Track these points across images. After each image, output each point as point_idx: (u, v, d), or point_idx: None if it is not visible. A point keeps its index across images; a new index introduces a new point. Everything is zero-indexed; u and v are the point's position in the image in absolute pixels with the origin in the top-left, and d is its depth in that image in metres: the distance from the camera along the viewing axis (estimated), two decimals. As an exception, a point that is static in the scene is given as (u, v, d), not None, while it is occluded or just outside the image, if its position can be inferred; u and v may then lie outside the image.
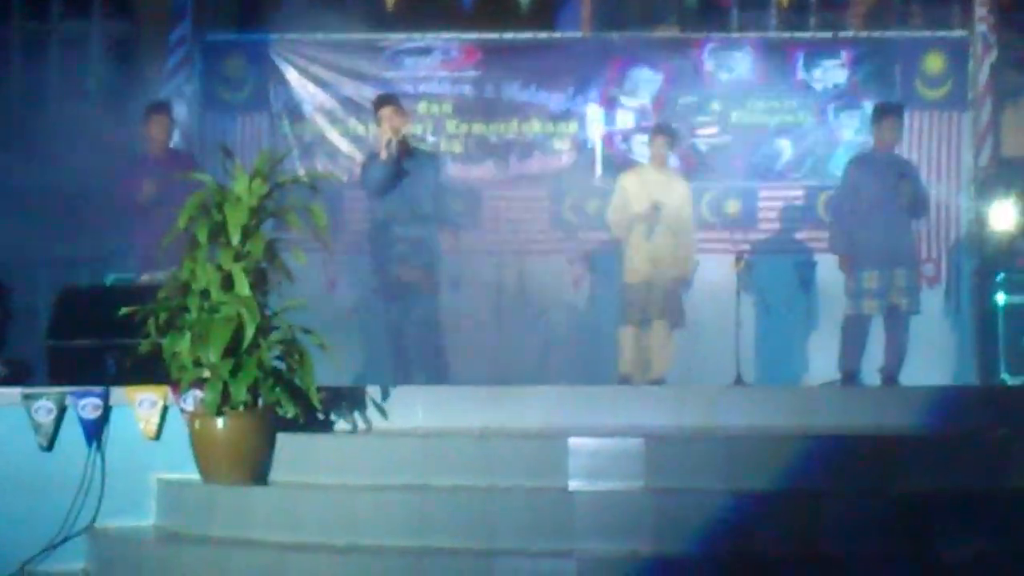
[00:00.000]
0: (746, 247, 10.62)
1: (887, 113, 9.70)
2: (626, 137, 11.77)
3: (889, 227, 9.32)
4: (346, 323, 10.12)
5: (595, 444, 6.23)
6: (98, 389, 7.01)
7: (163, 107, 9.93)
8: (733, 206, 11.61)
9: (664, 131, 10.05)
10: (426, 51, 11.81)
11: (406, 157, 9.13)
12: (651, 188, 9.73)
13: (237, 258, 6.62)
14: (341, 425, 7.25)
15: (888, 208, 9.33)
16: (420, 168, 9.17)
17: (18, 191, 10.45)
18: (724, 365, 9.90)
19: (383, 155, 9.05)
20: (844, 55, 11.72)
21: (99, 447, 6.97)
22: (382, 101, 9.34)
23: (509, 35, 11.86)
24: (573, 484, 6.13)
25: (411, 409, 7.48)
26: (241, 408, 6.53)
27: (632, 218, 9.66)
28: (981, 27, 11.53)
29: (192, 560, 6.13)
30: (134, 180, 9.43)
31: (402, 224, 9.01)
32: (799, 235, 11.61)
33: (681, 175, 10.37)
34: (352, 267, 11.20)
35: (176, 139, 10.20)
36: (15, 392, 7.07)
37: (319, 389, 6.71)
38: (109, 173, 9.69)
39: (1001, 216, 11.72)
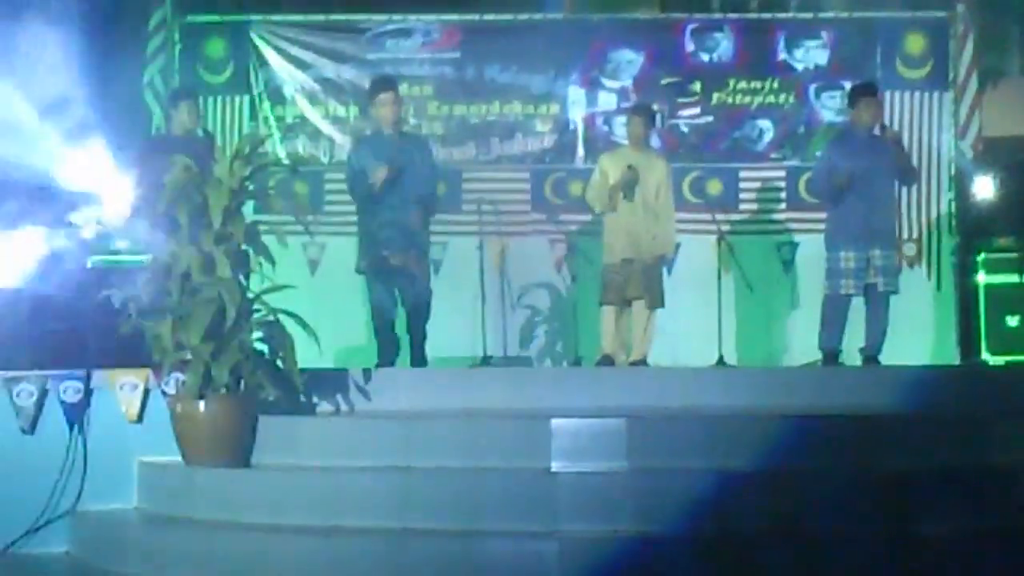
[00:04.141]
0: (727, 228, 10.61)
1: (863, 93, 9.66)
2: (607, 118, 11.74)
3: (866, 207, 9.30)
4: (329, 305, 10.12)
5: (577, 425, 6.24)
6: (79, 372, 7.00)
7: (187, 93, 9.84)
8: (714, 186, 11.60)
9: (641, 111, 10.03)
10: (407, 32, 11.76)
11: (400, 142, 9.15)
12: (630, 166, 9.72)
13: (218, 240, 6.61)
14: (324, 407, 7.26)
15: (865, 188, 9.31)
16: (412, 153, 9.17)
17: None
18: (706, 346, 9.92)
19: (387, 132, 9.10)
20: (825, 36, 11.71)
21: (81, 430, 6.97)
22: (383, 86, 9.32)
23: (490, 16, 11.83)
24: (555, 465, 6.14)
25: (394, 391, 7.50)
26: (223, 391, 6.53)
27: (611, 189, 9.61)
28: (960, 7, 11.55)
29: (175, 543, 6.14)
30: (149, 161, 9.38)
31: (393, 209, 8.97)
32: (780, 215, 11.62)
33: (660, 155, 10.35)
34: (334, 249, 11.19)
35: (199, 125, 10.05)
36: (-4, 376, 7.07)
37: (302, 371, 6.70)
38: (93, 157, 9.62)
39: (982, 196, 11.76)
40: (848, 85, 10.66)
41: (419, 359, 9.04)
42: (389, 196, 8.95)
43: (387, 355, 9.01)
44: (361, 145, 9.43)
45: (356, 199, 9.22)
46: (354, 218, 9.95)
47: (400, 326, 9.13)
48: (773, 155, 11.70)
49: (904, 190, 10.87)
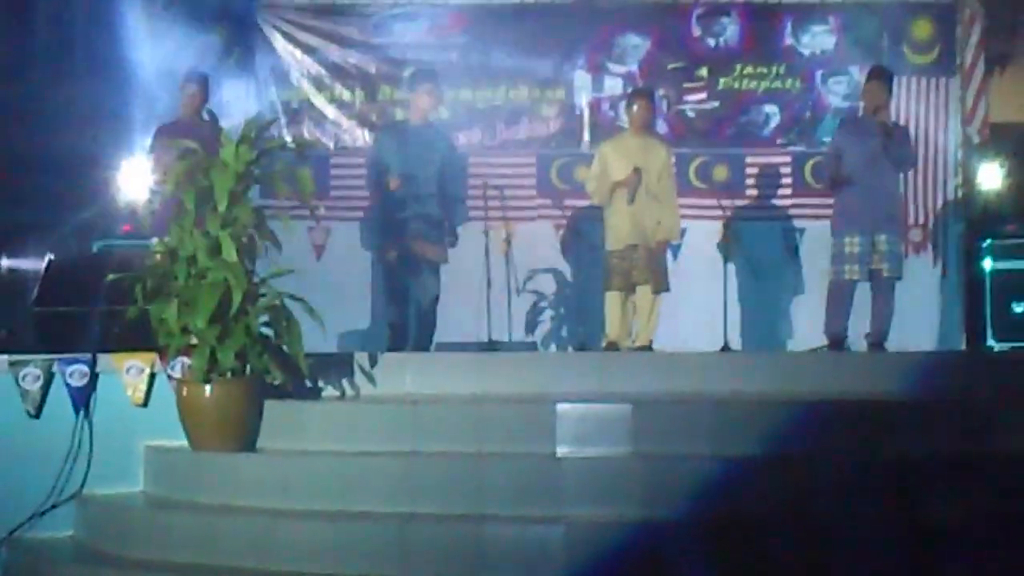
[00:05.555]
0: (733, 213, 10.60)
1: (875, 77, 9.69)
2: (613, 104, 11.72)
3: (872, 192, 9.32)
4: (334, 290, 10.11)
5: (583, 410, 6.24)
6: (85, 356, 7.00)
7: (196, 78, 9.84)
8: (720, 172, 11.58)
9: (644, 95, 10.01)
10: (413, 17, 11.72)
11: (426, 134, 9.25)
12: (631, 154, 9.69)
13: (224, 224, 6.61)
14: (329, 392, 7.26)
15: (872, 173, 9.32)
16: (437, 145, 9.30)
17: (5, 158, 10.42)
18: (711, 331, 9.91)
19: (414, 123, 9.32)
20: (832, 21, 11.68)
21: (87, 414, 6.97)
22: (426, 77, 9.48)
23: (496, 1, 11.80)
24: (561, 450, 6.14)
25: (400, 376, 7.49)
26: (229, 375, 6.53)
27: (612, 186, 9.63)
28: (968, -7, 11.53)
29: (181, 527, 6.14)
30: (160, 147, 9.41)
31: (416, 200, 9.08)
32: (786, 201, 11.60)
33: (662, 140, 10.34)
34: (339, 234, 11.20)
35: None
36: (2, 359, 7.06)
37: (307, 356, 6.70)
38: (95, 141, 9.65)
39: (989, 182, 11.74)
40: (854, 70, 10.65)
41: (426, 342, 9.11)
42: (412, 187, 9.03)
43: (400, 340, 9.07)
44: (385, 136, 9.55)
45: (372, 190, 9.33)
46: (360, 204, 9.95)
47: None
48: (779, 140, 11.68)
49: (911, 175, 10.86)
